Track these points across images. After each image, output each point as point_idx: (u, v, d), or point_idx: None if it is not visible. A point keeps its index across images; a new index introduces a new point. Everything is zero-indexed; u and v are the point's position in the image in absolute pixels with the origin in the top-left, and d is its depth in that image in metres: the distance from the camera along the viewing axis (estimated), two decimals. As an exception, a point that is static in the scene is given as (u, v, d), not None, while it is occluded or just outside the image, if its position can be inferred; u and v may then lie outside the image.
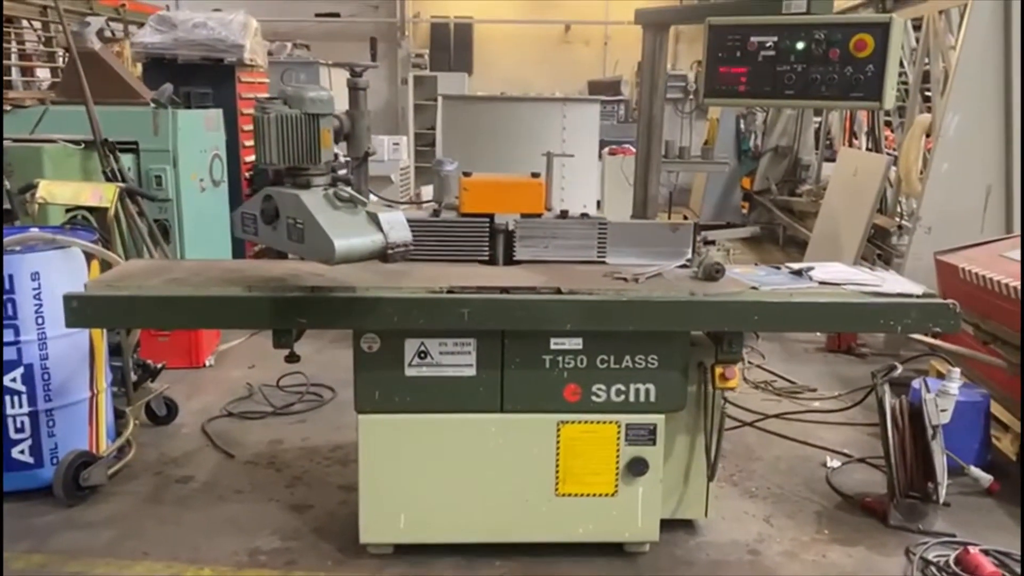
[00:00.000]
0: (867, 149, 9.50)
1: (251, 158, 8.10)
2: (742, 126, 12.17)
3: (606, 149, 7.55)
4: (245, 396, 5.34)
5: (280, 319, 3.06)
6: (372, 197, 3.37)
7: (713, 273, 3.35)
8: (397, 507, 3.34)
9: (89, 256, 3.93)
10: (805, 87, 3.32)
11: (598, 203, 7.11)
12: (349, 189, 2.94)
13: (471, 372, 3.27)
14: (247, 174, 8.08)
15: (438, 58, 15.86)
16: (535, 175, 3.71)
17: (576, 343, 3.27)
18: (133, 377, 4.63)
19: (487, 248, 3.65)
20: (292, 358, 3.28)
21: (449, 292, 3.15)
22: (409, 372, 3.26)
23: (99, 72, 6.77)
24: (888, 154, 8.19)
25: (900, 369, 3.90)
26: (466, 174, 3.68)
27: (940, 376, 4.66)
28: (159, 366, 4.90)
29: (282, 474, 4.25)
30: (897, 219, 7.72)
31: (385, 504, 3.34)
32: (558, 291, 3.17)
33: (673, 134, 15.19)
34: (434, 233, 3.63)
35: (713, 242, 9.28)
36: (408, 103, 14.58)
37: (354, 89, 3.69)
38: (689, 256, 3.67)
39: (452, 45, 15.94)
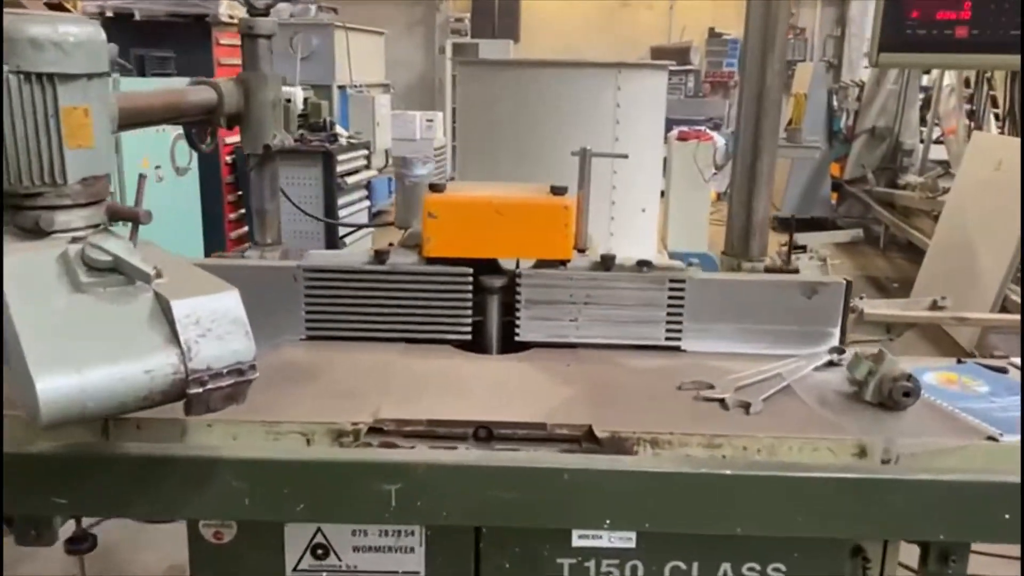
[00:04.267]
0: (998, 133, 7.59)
1: (233, 138, 6.60)
2: (835, 102, 10.26)
3: (673, 131, 5.91)
4: None
5: (20, 502, 1.50)
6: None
7: (900, 395, 1.70)
8: None
9: None
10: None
11: (662, 193, 5.35)
12: (117, 242, 1.33)
13: (417, 582, 1.69)
14: (228, 158, 6.59)
15: (480, 24, 14.16)
16: (557, 191, 2.08)
17: (624, 538, 1.65)
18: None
19: (468, 321, 2.05)
20: (77, 545, 1.73)
21: (369, 433, 1.57)
22: (297, 579, 1.69)
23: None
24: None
25: None
26: (435, 187, 2.08)
27: None
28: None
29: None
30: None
31: None
32: (590, 442, 1.56)
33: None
34: (376, 293, 2.04)
35: (804, 247, 7.50)
36: (446, 74, 12.96)
37: (250, 36, 2.12)
38: (836, 344, 2.03)
39: (496, 9, 14.20)
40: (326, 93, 9.00)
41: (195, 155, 6.04)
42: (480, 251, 2.04)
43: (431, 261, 2.05)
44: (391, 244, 2.17)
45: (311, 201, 6.46)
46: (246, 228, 6.70)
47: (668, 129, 5.38)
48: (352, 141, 6.90)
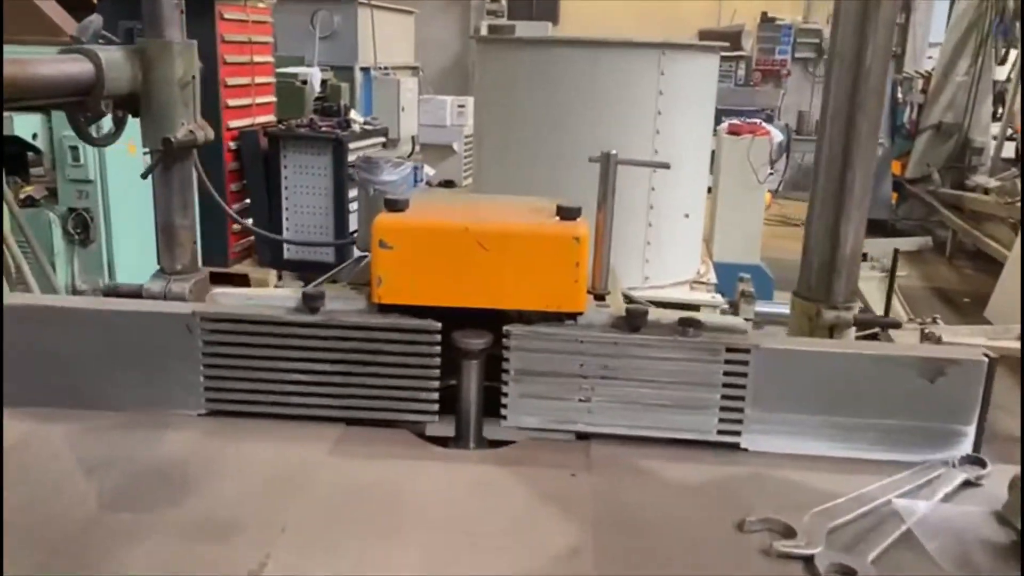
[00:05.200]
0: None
1: (238, 122, 6.06)
2: (898, 94, 9.42)
3: (723, 124, 5.20)
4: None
5: None
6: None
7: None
8: None
9: None
10: None
11: (709, 187, 4.54)
12: None
13: None
14: (231, 143, 6.03)
15: (517, 6, 13.46)
16: (566, 214, 1.44)
17: None
18: None
19: (434, 397, 1.43)
20: None
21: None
22: None
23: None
24: None
25: None
26: (392, 205, 1.45)
27: None
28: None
29: None
30: None
31: None
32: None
33: (802, 102, 12.50)
34: (304, 353, 1.43)
35: (865, 256, 6.74)
36: (480, 58, 12.29)
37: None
38: (971, 450, 1.38)
39: (535, -11, 13.52)
40: (348, 75, 8.42)
41: (192, 140, 5.51)
42: (453, 298, 1.42)
43: (384, 310, 1.43)
44: (335, 280, 1.56)
45: (319, 193, 5.87)
46: (250, 220, 6.16)
47: (716, 121, 4.69)
48: (368, 127, 6.31)
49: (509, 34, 11.82)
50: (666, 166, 1.67)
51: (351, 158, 5.83)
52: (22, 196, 4.62)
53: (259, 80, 6.31)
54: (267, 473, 1.29)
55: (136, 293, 1.66)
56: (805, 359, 1.40)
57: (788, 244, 8.25)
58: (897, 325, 1.74)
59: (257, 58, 6.26)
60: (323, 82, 7.61)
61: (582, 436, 1.44)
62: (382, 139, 6.59)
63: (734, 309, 3.62)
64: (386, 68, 9.20)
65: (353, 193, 5.97)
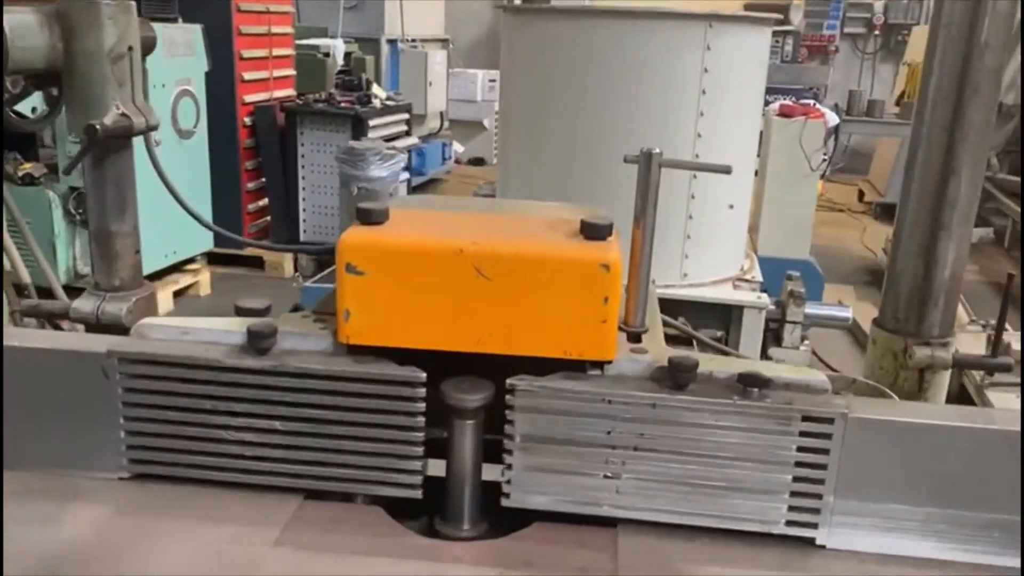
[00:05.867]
0: None
1: (254, 96, 5.75)
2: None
3: (772, 105, 4.76)
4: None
5: None
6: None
7: None
8: None
9: None
10: None
11: (756, 167, 4.09)
12: None
13: None
14: (246, 119, 5.73)
15: (554, -25, 12.95)
16: (592, 233, 1.10)
17: None
18: None
19: (417, 467, 1.10)
20: None
21: None
22: None
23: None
24: None
25: None
26: (366, 216, 1.12)
27: None
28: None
29: None
30: None
31: None
32: None
33: (850, 81, 11.89)
34: (251, 406, 1.11)
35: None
36: (514, 30, 11.84)
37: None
38: None
39: (573, -42, 12.98)
40: (373, 47, 8.08)
41: (203, 116, 5.21)
42: (443, 340, 1.09)
43: (354, 352, 1.11)
44: (297, 307, 1.23)
45: (334, 172, 5.55)
46: (267, 200, 5.87)
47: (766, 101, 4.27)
48: (390, 103, 5.96)
49: (543, 3, 11.37)
50: (726, 170, 1.31)
51: (372, 135, 5.50)
52: (20, 174, 4.36)
53: (277, 52, 5.99)
54: (194, 566, 0.98)
55: (63, 313, 1.35)
56: (909, 432, 1.05)
57: (835, 231, 7.81)
58: (1008, 368, 1.37)
59: (276, 29, 5.94)
60: (347, 55, 7.27)
61: (607, 522, 1.11)
62: (405, 115, 6.25)
63: (781, 310, 3.27)
64: (414, 40, 8.83)
65: (373, 173, 5.65)
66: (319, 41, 6.95)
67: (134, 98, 1.30)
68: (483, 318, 1.08)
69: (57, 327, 1.37)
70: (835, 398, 1.07)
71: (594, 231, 1.09)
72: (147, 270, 4.86)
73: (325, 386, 1.09)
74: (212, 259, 5.50)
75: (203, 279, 5.34)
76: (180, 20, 4.98)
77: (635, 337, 1.19)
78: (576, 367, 1.10)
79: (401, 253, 1.07)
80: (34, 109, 4.36)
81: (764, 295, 3.67)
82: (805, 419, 1.04)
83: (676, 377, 1.07)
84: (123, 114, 1.26)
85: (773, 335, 3.35)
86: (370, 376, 1.09)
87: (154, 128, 1.35)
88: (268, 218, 5.94)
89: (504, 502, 1.10)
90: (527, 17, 3.96)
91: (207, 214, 5.29)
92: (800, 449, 1.05)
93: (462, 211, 1.22)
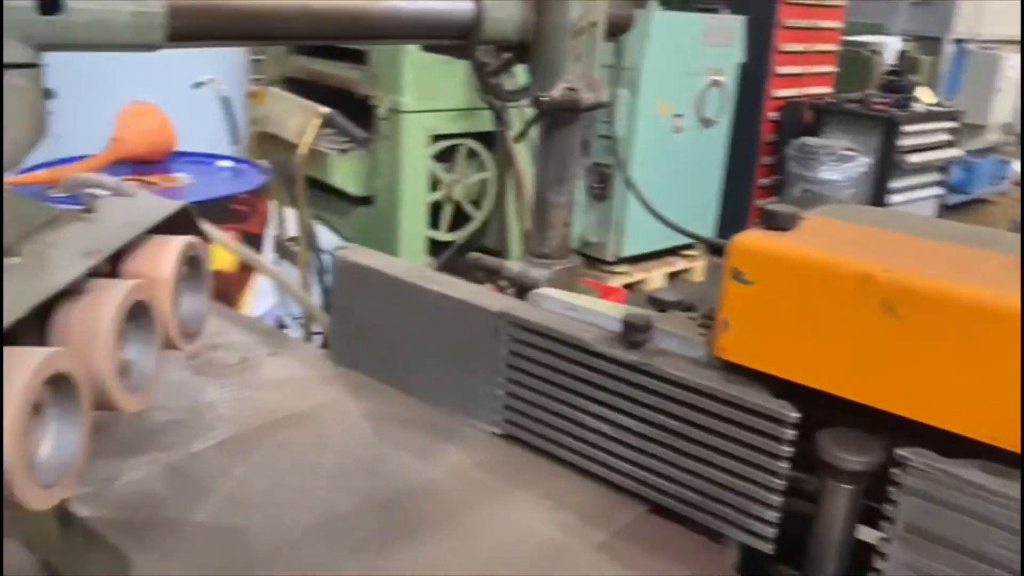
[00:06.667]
0: None
1: (784, 91, 5.61)
2: None
3: None
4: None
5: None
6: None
7: None
8: None
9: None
10: None
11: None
12: None
13: None
14: (772, 114, 5.62)
15: None
16: None
17: None
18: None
19: (773, 516, 0.95)
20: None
21: None
22: None
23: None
24: None
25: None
26: (771, 219, 0.97)
27: None
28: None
29: None
30: None
31: None
32: None
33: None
34: (609, 395, 1.06)
35: None
36: None
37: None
38: None
39: None
40: (934, 47, 7.28)
41: (730, 106, 5.24)
42: (827, 380, 0.91)
43: (728, 368, 0.98)
44: (654, 305, 1.14)
45: (852, 181, 5.16)
46: (776, 198, 5.72)
47: None
48: (936, 108, 5.31)
49: None
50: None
51: (904, 142, 4.98)
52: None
53: (819, 47, 5.74)
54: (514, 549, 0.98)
55: (496, 270, 1.45)
56: None
57: None
58: None
59: (822, 23, 5.69)
60: (901, 53, 6.67)
61: (1006, 672, 0.82)
62: (951, 123, 5.52)
63: None
64: (987, 41, 7.74)
65: (898, 183, 5.11)
66: (870, 38, 6.49)
67: (588, 73, 1.33)
68: (884, 365, 0.87)
69: (498, 286, 1.48)
70: None
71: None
72: (648, 249, 5.17)
73: (685, 397, 0.99)
74: (713, 249, 5.56)
75: (698, 265, 5.44)
76: (724, 11, 5.05)
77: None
78: (995, 454, 0.82)
79: (793, 267, 0.91)
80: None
81: None
82: None
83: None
84: (571, 88, 1.29)
85: None
86: (733, 399, 0.96)
87: (603, 106, 1.36)
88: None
89: (869, 589, 0.89)
90: None
91: (713, 204, 5.35)
92: None
93: (899, 230, 0.99)
